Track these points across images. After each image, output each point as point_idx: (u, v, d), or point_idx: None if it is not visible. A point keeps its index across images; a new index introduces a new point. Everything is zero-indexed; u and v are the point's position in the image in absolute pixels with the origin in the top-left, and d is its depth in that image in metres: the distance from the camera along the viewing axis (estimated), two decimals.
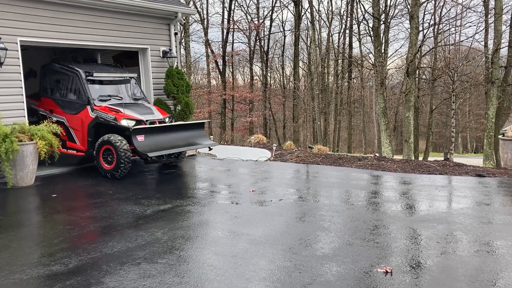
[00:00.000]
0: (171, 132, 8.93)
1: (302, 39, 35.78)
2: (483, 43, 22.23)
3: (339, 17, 35.20)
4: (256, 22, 32.77)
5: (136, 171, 9.56)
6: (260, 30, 32.88)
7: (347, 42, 34.72)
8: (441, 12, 24.77)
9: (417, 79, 25.72)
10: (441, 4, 24.04)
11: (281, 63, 38.44)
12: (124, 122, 8.51)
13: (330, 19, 35.18)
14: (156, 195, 7.33)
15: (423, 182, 8.23)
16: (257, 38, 33.40)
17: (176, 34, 11.76)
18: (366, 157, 11.80)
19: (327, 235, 5.07)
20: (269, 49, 35.56)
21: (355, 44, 36.24)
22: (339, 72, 36.54)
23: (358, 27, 32.61)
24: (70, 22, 9.46)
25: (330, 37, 35.60)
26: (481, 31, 22.11)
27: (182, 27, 25.55)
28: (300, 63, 35.79)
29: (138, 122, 8.67)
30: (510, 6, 20.28)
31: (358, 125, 41.74)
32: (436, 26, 25.10)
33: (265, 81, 34.54)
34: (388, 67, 26.70)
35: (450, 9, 24.50)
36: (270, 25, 34.36)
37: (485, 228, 5.32)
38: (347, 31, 34.08)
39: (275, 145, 14.74)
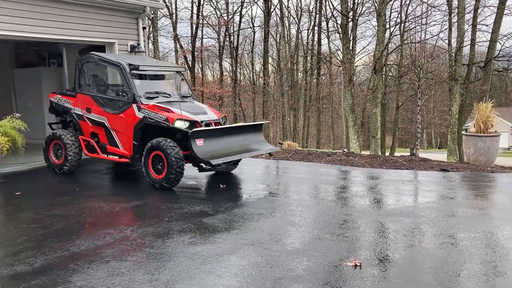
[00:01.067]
0: (230, 135, 7.61)
1: (272, 35, 35.87)
2: (447, 41, 22.85)
3: (308, 13, 35.47)
4: (226, 18, 32.63)
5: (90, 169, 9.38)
6: (229, 26, 32.77)
7: (316, 38, 35.02)
8: (407, 11, 25.31)
9: (384, 76, 26.22)
10: (407, 2, 24.55)
11: (251, 59, 38.45)
12: (178, 124, 7.15)
13: (299, 16, 35.40)
14: (120, 193, 7.22)
15: (390, 177, 8.41)
16: (227, 33, 33.27)
17: (144, 28, 11.58)
18: (335, 152, 11.96)
19: (297, 230, 5.11)
20: (239, 45, 35.49)
21: (324, 41, 36.58)
22: (308, 68, 36.83)
23: (327, 24, 32.93)
24: (33, 14, 9.15)
25: (299, 34, 35.84)
26: (445, 29, 22.72)
27: (150, 22, 25.17)
28: (270, 59, 35.87)
29: (193, 123, 7.24)
30: (472, 6, 20.86)
31: (326, 121, 42.22)
32: (403, 24, 25.63)
33: (234, 77, 34.47)
34: (356, 64, 27.08)
35: (416, 8, 25.02)
36: (240, 21, 34.30)
37: (449, 221, 5.48)
38: (316, 28, 34.38)
39: None
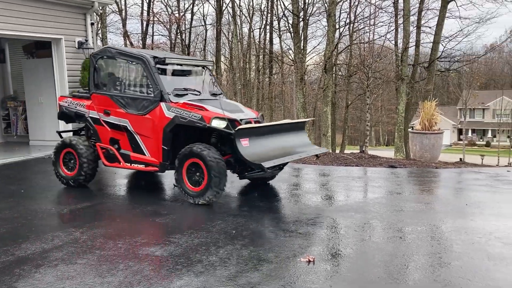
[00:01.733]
0: (275, 134, 6.55)
1: (224, 33, 35.78)
2: (394, 42, 23.66)
3: (260, 12, 35.64)
4: (177, 15, 32.23)
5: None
6: (181, 23, 32.39)
7: (268, 37, 35.26)
8: (356, 11, 25.96)
9: (334, 75, 26.78)
10: (356, 3, 25.20)
11: (203, 57, 38.16)
12: (215, 123, 6.10)
13: (251, 15, 35.50)
14: (71, 194, 7.00)
15: (341, 174, 8.62)
16: (178, 31, 32.87)
17: (92, 24, 11.25)
18: None
19: (256, 228, 5.13)
20: (191, 43, 35.17)
21: (276, 40, 36.88)
22: (260, 67, 37.03)
23: (278, 23, 33.24)
24: None
25: (252, 33, 35.95)
26: (392, 30, 23.51)
27: (99, 18, 24.45)
28: (222, 58, 35.78)
29: (231, 122, 6.17)
30: (417, 8, 21.70)
31: (279, 120, 42.62)
32: (352, 25, 26.28)
33: None
34: (307, 63, 27.51)
35: (364, 9, 25.74)
36: (191, 19, 33.98)
37: (397, 215, 5.69)
38: (268, 27, 34.62)
39: None
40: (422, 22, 22.24)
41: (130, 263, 4.06)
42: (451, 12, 20.56)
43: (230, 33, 34.98)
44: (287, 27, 30.16)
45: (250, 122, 6.44)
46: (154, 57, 6.62)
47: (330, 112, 22.56)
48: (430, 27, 21.60)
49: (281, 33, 33.33)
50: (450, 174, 9.08)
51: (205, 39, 37.18)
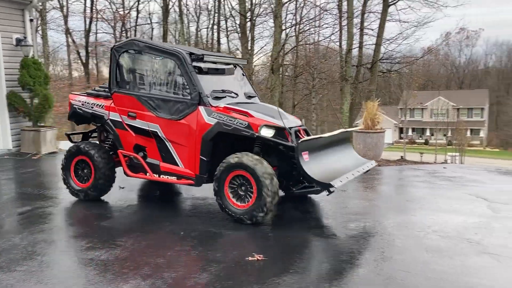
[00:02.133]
0: (329, 146, 5.68)
1: (171, 32, 35.28)
2: (338, 43, 24.30)
3: (207, 12, 35.45)
4: (122, 13, 31.46)
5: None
6: (126, 21, 31.64)
7: (215, 37, 35.16)
8: (301, 13, 26.42)
9: (281, 75, 27.12)
10: (302, 5, 25.64)
11: None
12: (265, 132, 5.35)
13: (198, 14, 35.24)
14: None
15: None
16: (123, 29, 32.10)
17: (31, 20, 10.76)
18: None
19: (203, 228, 5.10)
20: None
21: (224, 40, 36.86)
22: None
23: (226, 23, 33.22)
24: None
25: (199, 32, 35.69)
26: (336, 32, 24.11)
27: (38, 14, 23.43)
28: None
29: (279, 130, 5.45)
30: (360, 11, 22.41)
31: None
32: (298, 26, 26.71)
33: None
34: (254, 64, 27.68)
35: (309, 11, 26.21)
36: (137, 16, 33.29)
37: (342, 212, 5.85)
38: (215, 27, 34.52)
39: None
40: (365, 24, 23.01)
41: (73, 268, 3.93)
42: (392, 16, 21.34)
43: (177, 32, 34.57)
44: (235, 27, 30.22)
45: (299, 131, 5.69)
46: (191, 53, 5.82)
47: None
48: (372, 30, 22.37)
49: (228, 33, 33.33)
50: (392, 172, 9.45)
51: (151, 38, 36.48)
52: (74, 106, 6.55)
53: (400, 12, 22.05)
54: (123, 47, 6.13)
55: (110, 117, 6.15)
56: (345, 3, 21.76)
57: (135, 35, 33.52)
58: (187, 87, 5.61)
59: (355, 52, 23.35)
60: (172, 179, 5.82)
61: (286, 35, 25.59)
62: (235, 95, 6.09)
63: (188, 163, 5.66)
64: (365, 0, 22.35)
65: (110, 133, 6.21)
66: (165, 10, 30.39)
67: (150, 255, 4.23)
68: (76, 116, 6.59)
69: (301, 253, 4.39)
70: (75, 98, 6.60)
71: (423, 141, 58.00)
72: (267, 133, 5.34)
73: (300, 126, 5.85)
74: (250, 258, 4.16)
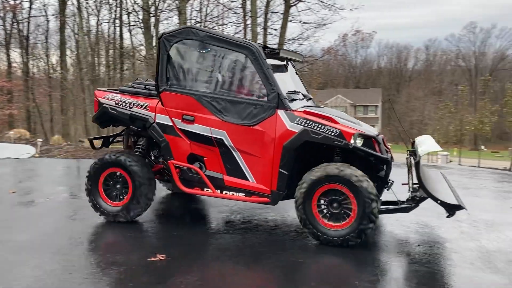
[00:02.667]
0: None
1: (69, 25, 33.33)
2: None
3: (108, 5, 34.03)
4: (12, 3, 29.07)
5: None
6: (17, 12, 29.30)
7: (117, 32, 33.88)
8: (206, 10, 26.38)
9: None
10: (206, 2, 25.60)
11: (46, 50, 35.10)
12: (359, 142, 4.61)
13: (98, 7, 33.70)
14: None
15: None
16: (14, 20, 29.70)
17: None
18: None
19: (102, 231, 4.95)
20: (30, 34, 32.05)
21: (127, 35, 35.68)
22: (111, 62, 35.41)
23: (128, 18, 32.12)
24: None
25: (99, 26, 34.15)
26: (240, 31, 24.44)
27: None
28: (68, 52, 33.28)
29: (367, 139, 4.74)
30: (263, 11, 22.92)
31: None
32: (203, 24, 26.64)
33: (26, 69, 31.03)
34: None
35: (214, 9, 26.26)
36: (30, 7, 30.95)
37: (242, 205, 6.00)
38: (117, 21, 33.26)
39: (40, 140, 13.49)
40: (269, 24, 23.53)
41: None
42: (293, 16, 22.03)
43: (76, 26, 32.77)
44: (138, 22, 29.35)
45: (383, 140, 5.10)
46: (264, 47, 5.03)
47: None
48: (275, 30, 22.94)
49: (131, 28, 32.26)
50: None
51: (47, 31, 34.20)
52: (105, 105, 5.37)
53: (301, 13, 22.79)
54: (176, 36, 5.04)
55: (156, 120, 5.10)
56: (248, 3, 22.14)
57: (28, 28, 31.22)
58: (264, 87, 4.77)
59: None
60: (239, 195, 4.94)
61: None
62: (302, 97, 5.25)
63: (262, 177, 4.83)
64: (268, 0, 22.91)
65: (158, 140, 5.10)
66: (62, 1, 28.64)
67: (44, 262, 4.03)
68: (107, 117, 5.46)
69: (205, 251, 4.45)
70: (105, 95, 5.44)
71: None
72: (359, 143, 4.62)
73: (379, 134, 5.18)
74: (152, 259, 4.13)
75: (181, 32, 5.03)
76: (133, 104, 5.24)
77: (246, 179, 4.90)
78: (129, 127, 5.51)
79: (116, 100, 5.34)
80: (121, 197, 5.18)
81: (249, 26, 22.21)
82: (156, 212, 5.76)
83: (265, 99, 4.76)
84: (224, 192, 4.98)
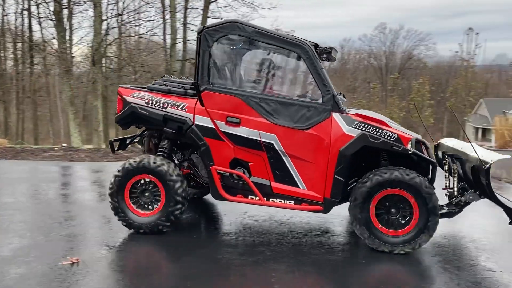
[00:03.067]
0: None
1: None
2: (162, 37, 24.21)
3: None
4: None
5: None
6: None
7: (26, 24, 31.74)
8: (123, 4, 25.52)
9: (104, 68, 25.89)
10: None
11: None
12: (409, 146, 4.43)
13: None
14: None
15: (112, 170, 8.48)
16: None
17: None
18: (52, 148, 11.26)
19: (5, 237, 4.63)
20: None
21: (37, 27, 33.54)
22: (19, 56, 33.10)
23: (38, 9, 30.21)
24: None
25: (5, 17, 31.78)
26: (159, 25, 23.96)
27: None
28: None
29: (417, 144, 4.52)
30: (182, 6, 22.63)
31: (45, 115, 39.01)
32: (120, 17, 25.75)
33: None
34: (74, 54, 25.83)
35: (131, 2, 25.48)
36: None
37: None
38: (26, 12, 31.14)
39: None
40: (188, 19, 23.30)
41: None
42: (213, 13, 22.00)
43: None
44: (49, 14, 27.71)
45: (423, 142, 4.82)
46: (316, 45, 4.80)
47: (101, 106, 21.78)
48: (195, 25, 22.76)
49: (41, 20, 30.38)
50: None
51: None
52: (133, 104, 4.83)
53: (221, 10, 22.89)
54: (219, 30, 4.63)
55: (196, 122, 4.66)
56: None
57: None
58: (319, 88, 4.51)
59: (180, 46, 23.55)
60: (287, 203, 4.65)
61: (108, 25, 24.47)
62: (344, 99, 4.96)
63: (314, 183, 4.58)
64: None
65: (197, 144, 4.69)
66: None
67: None
68: (133, 118, 4.89)
69: (125, 252, 4.35)
70: (131, 93, 4.89)
71: None
72: (412, 147, 4.46)
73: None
74: (64, 263, 3.96)
75: (226, 26, 4.64)
76: (168, 104, 4.74)
77: (296, 186, 4.63)
78: (154, 129, 5.03)
79: (147, 99, 4.81)
80: (151, 206, 4.74)
81: (168, 21, 21.86)
82: (63, 214, 5.51)
83: (319, 101, 4.53)
84: (271, 199, 4.67)
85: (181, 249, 4.38)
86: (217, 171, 4.65)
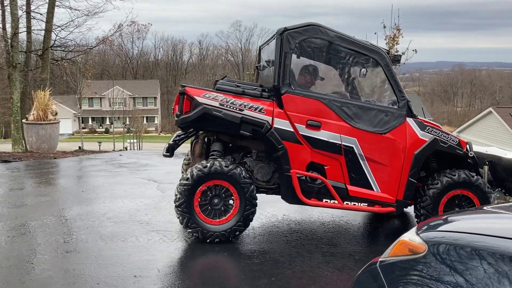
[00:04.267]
0: None
1: None
2: (1, 26, 21.72)
3: None
4: None
5: None
6: None
7: None
8: None
9: None
10: None
11: None
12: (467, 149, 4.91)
13: None
14: None
15: None
16: None
17: None
18: None
19: None
20: None
21: None
22: None
23: None
24: None
25: None
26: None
27: None
28: None
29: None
30: None
31: None
32: None
33: None
34: None
35: None
36: None
37: (20, 211, 5.40)
38: None
39: None
40: (32, 7, 21.24)
41: None
42: (62, 2, 20.39)
43: None
44: None
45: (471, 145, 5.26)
46: (388, 52, 4.87)
47: None
48: (41, 14, 20.86)
49: None
50: (69, 163, 9.27)
51: None
52: (207, 106, 4.45)
53: None
54: (302, 33, 4.54)
55: (276, 126, 4.48)
56: None
57: None
58: (395, 94, 4.66)
59: (23, 36, 21.39)
60: (362, 206, 4.69)
61: None
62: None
63: (388, 186, 4.69)
64: None
65: (273, 147, 4.49)
66: None
67: None
68: (206, 120, 4.50)
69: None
70: (203, 94, 4.51)
71: (104, 130, 58.74)
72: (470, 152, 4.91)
73: None
74: None
75: (307, 29, 4.58)
76: (246, 106, 4.51)
77: (371, 188, 4.69)
78: (215, 131, 4.74)
79: (221, 100, 4.51)
80: (222, 213, 4.47)
81: (8, 7, 19.72)
82: None
83: (396, 106, 4.68)
84: (345, 202, 4.67)
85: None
86: (298, 174, 4.56)
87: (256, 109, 4.53)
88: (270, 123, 4.49)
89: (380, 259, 2.11)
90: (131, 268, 3.77)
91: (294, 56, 4.59)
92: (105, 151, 14.06)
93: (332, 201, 4.64)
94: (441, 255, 1.80)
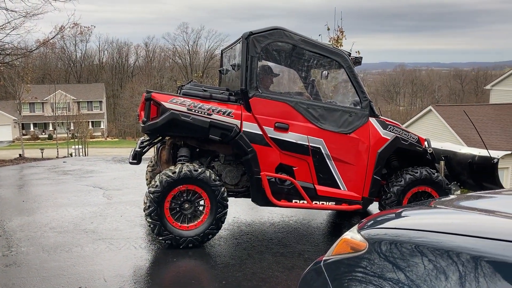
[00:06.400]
0: None
1: None
2: None
3: None
4: None
5: None
6: None
7: None
8: None
9: None
10: None
11: None
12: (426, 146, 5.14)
13: None
14: None
15: None
16: None
17: None
18: None
19: None
20: None
21: None
22: None
23: None
24: None
25: None
26: None
27: None
28: None
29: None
30: None
31: None
32: None
33: None
34: None
35: None
36: None
37: None
38: None
39: None
40: None
41: None
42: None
43: None
44: None
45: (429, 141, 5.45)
46: (349, 54, 5.00)
47: None
48: None
49: None
50: (8, 172, 8.82)
51: None
52: (175, 111, 4.39)
53: (7, 0, 20.28)
54: (267, 37, 4.59)
55: (244, 129, 4.50)
56: None
57: None
58: (358, 94, 4.79)
59: None
60: (330, 205, 4.81)
61: None
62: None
63: (354, 184, 4.84)
64: None
65: (245, 151, 4.49)
66: None
67: None
68: (174, 126, 4.41)
69: None
70: (169, 99, 4.43)
71: (47, 136, 56.42)
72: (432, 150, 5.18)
73: None
74: None
75: (272, 33, 4.62)
76: (214, 111, 4.48)
77: (338, 187, 4.82)
78: (180, 136, 4.69)
79: (189, 105, 4.45)
80: (194, 217, 4.44)
81: None
82: None
83: (359, 106, 4.80)
84: (314, 202, 4.76)
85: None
86: (268, 176, 4.58)
87: (224, 113, 4.52)
88: (239, 126, 4.51)
89: (324, 258, 2.15)
90: (76, 279, 3.63)
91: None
92: (48, 158, 13.50)
93: (301, 201, 4.72)
94: (383, 252, 1.83)
